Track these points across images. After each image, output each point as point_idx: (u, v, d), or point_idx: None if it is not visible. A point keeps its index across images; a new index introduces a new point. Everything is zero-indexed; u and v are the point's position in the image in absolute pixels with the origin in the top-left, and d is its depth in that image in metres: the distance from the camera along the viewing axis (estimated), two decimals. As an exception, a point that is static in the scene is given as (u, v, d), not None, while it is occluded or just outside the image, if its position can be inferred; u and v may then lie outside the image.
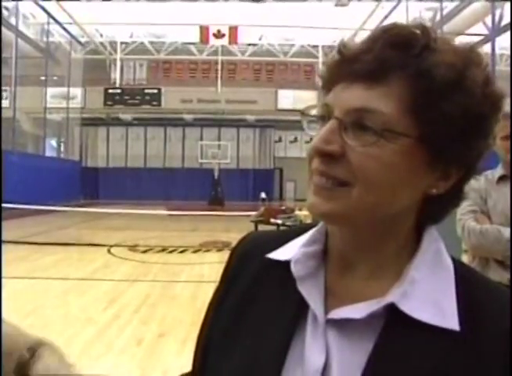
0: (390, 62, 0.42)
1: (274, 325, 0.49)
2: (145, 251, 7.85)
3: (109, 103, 18.78)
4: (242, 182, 21.22)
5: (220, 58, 20.11)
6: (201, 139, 21.66)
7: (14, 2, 14.52)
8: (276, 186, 22.99)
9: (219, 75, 19.95)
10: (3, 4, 15.09)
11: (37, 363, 0.59)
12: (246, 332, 0.51)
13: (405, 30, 0.44)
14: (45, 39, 16.98)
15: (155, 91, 19.01)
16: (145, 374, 2.93)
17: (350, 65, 0.44)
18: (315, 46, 20.89)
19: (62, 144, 20.19)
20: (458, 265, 0.47)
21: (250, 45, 21.06)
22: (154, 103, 18.90)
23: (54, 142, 20.35)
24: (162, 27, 19.02)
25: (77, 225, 11.98)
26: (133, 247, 8.13)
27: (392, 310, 0.43)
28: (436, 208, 0.48)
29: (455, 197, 0.48)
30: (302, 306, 0.48)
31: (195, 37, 19.14)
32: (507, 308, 0.43)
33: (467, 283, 0.46)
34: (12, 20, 14.85)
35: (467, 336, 0.42)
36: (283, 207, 5.48)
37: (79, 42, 19.34)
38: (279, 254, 0.53)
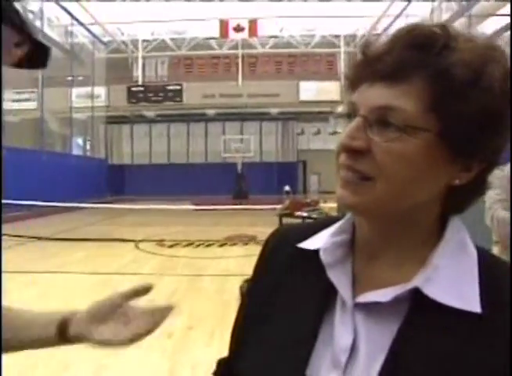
0: (410, 62, 0.44)
1: (304, 310, 0.52)
2: (171, 246, 7.94)
3: (133, 100, 19.06)
4: (265, 176, 21.15)
5: (240, 51, 20.06)
6: (224, 133, 21.71)
7: (39, 6, 14.83)
8: (300, 178, 22.85)
9: (240, 69, 19.91)
10: (29, 8, 15.47)
11: (72, 326, 0.70)
12: (278, 318, 0.54)
13: (425, 30, 0.46)
14: (69, 40, 17.33)
15: (177, 87, 19.15)
16: (174, 366, 2.99)
17: (373, 65, 0.46)
18: (337, 36, 20.56)
19: (88, 142, 20.62)
20: (482, 253, 0.49)
21: (270, 37, 20.87)
22: (176, 99, 19.05)
23: (80, 141, 20.81)
24: (182, 23, 19.11)
25: (105, 222, 12.26)
26: (160, 242, 8.24)
27: (416, 294, 0.45)
28: (459, 199, 0.50)
29: (478, 187, 0.50)
30: (331, 293, 0.51)
31: (215, 31, 19.15)
32: None
33: (490, 269, 0.48)
34: (38, 23, 15.20)
35: (489, 318, 0.44)
36: (308, 200, 5.42)
37: (102, 42, 19.65)
38: (308, 244, 0.56)
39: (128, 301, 0.71)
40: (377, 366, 0.45)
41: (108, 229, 10.29)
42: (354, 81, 0.49)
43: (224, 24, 18.93)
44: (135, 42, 20.23)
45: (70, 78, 17.31)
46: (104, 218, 12.77)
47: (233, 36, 19.44)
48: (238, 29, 19.08)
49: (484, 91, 0.43)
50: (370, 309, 0.48)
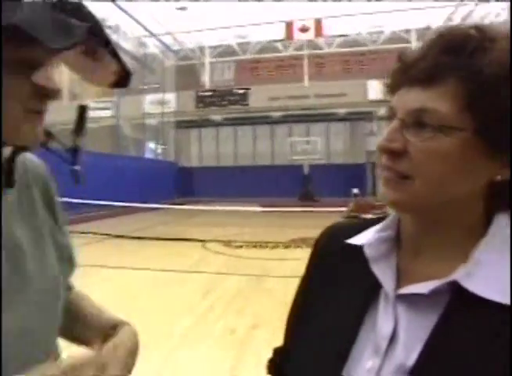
0: (443, 66, 0.47)
1: (351, 302, 0.55)
2: (238, 247, 8.02)
3: (201, 105, 19.62)
4: (333, 178, 20.65)
5: (306, 52, 19.88)
6: (290, 135, 21.60)
7: (116, 21, 15.82)
8: (369, 180, 22.08)
9: (306, 70, 19.72)
10: (107, 23, 16.57)
11: (115, 337, 0.72)
12: (327, 308, 0.58)
13: (458, 33, 0.48)
14: (141, 51, 18.29)
15: (243, 91, 19.41)
16: (238, 363, 2.98)
17: (409, 71, 0.49)
18: (408, 30, 19.60)
19: (159, 146, 21.59)
20: None
21: (336, 36, 20.45)
22: (243, 102, 19.30)
23: (152, 145, 21.84)
24: (247, 27, 19.38)
25: (175, 222, 12.69)
26: (227, 243, 8.35)
27: (457, 288, 0.46)
28: (505, 195, 0.50)
29: None
30: (376, 286, 0.54)
31: (280, 34, 19.17)
32: None
33: None
34: (115, 37, 16.23)
35: None
36: (375, 203, 5.15)
37: (171, 50, 20.52)
38: (355, 240, 0.60)
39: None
40: (414, 355, 0.46)
41: (178, 229, 10.64)
42: (392, 87, 0.52)
43: (289, 26, 18.89)
44: (202, 49, 20.88)
45: (142, 86, 18.27)
46: (174, 219, 13.23)
47: (299, 37, 19.31)
48: (303, 30, 18.93)
49: None
50: (411, 300, 0.50)
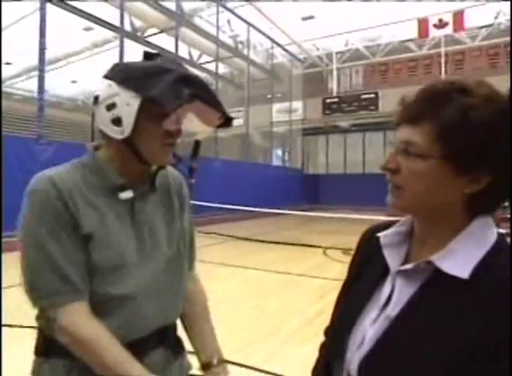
0: (422, 112, 0.66)
1: (369, 279, 0.78)
2: (357, 254, 7.76)
3: (328, 112, 19.53)
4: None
5: (443, 49, 18.28)
6: (423, 140, 20.05)
7: (246, 36, 16.81)
8: None
9: (443, 69, 18.13)
10: (238, 39, 17.70)
11: (212, 370, 1.07)
12: (356, 286, 0.81)
13: (435, 88, 0.67)
14: (269, 62, 19.06)
15: (372, 95, 18.73)
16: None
17: (404, 113, 0.70)
18: None
19: (286, 154, 22.10)
20: (500, 243, 0.66)
21: (482, 27, 18.36)
22: (371, 107, 18.63)
23: (279, 152, 22.47)
24: (376, 29, 18.69)
25: (298, 228, 12.85)
26: (346, 250, 8.15)
27: (433, 267, 0.66)
28: (481, 203, 0.67)
29: (496, 193, 0.67)
30: (387, 267, 0.75)
31: (412, 32, 17.99)
32: None
33: (497, 254, 0.64)
34: (245, 51, 17.26)
35: (474, 284, 0.62)
36: (507, 216, 4.43)
37: (298, 59, 20.92)
38: (381, 233, 0.78)
39: None
40: (398, 310, 0.69)
41: (299, 235, 10.77)
42: (396, 123, 0.71)
43: (423, 23, 17.60)
44: (329, 55, 20.81)
45: (270, 96, 18.98)
46: (297, 225, 13.41)
47: (434, 33, 17.85)
48: (440, 25, 17.42)
49: (472, 128, 0.62)
50: (405, 275, 0.71)
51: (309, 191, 20.73)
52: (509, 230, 4.04)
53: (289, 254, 8.02)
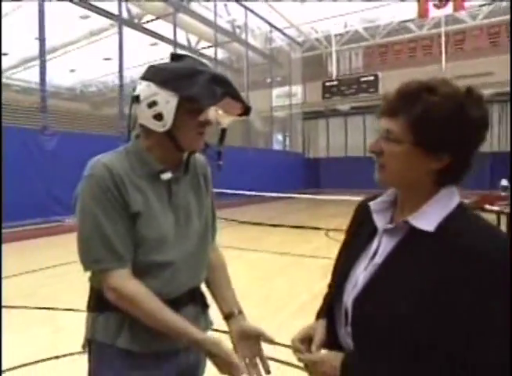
0: (398, 107, 0.86)
1: (362, 238, 0.99)
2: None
3: (327, 95, 19.47)
4: (476, 168, 18.36)
5: (443, 29, 18.10)
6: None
7: (243, 20, 16.64)
8: (522, 168, 19.15)
9: (443, 49, 17.98)
10: (236, 24, 17.54)
11: (234, 319, 1.28)
12: (352, 245, 1.03)
13: (409, 87, 0.85)
14: (268, 46, 18.92)
15: (371, 78, 18.65)
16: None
17: (385, 107, 0.88)
18: None
19: (287, 138, 22.10)
20: (463, 205, 0.88)
21: (482, 5, 18.10)
22: (371, 89, 18.55)
23: (280, 137, 22.46)
24: (376, 10, 18.48)
25: (300, 211, 12.99)
26: (348, 231, 8.28)
27: (409, 226, 0.87)
28: (446, 176, 0.87)
29: (459, 169, 0.87)
30: (376, 229, 0.96)
31: (412, 13, 17.79)
32: (476, 232, 0.82)
33: (458, 212, 0.85)
34: (243, 36, 17.12)
35: (438, 236, 0.82)
36: (503, 194, 4.60)
37: (297, 43, 20.75)
38: (371, 202, 0.99)
39: (260, 339, 1.23)
40: (382, 258, 0.91)
41: (302, 218, 10.91)
42: (379, 115, 0.90)
43: (423, 3, 17.39)
44: (328, 38, 20.61)
45: (269, 80, 18.89)
46: (299, 208, 13.55)
47: (434, 13, 17.64)
48: (440, 5, 17.22)
49: (434, 120, 0.82)
50: (389, 232, 0.92)
51: (310, 175, 20.80)
52: (502, 208, 4.17)
53: (293, 237, 8.18)
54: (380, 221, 0.94)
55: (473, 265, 0.76)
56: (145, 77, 1.11)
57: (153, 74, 1.10)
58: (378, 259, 0.90)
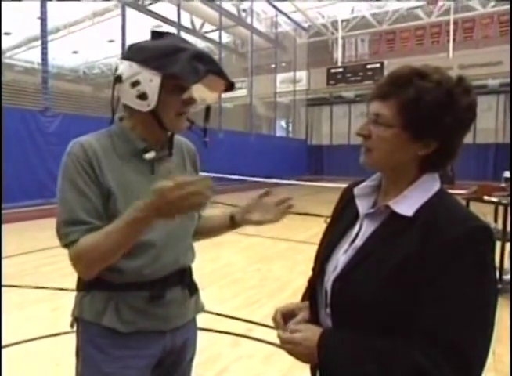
0: (388, 91, 0.86)
1: (345, 222, 0.99)
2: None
3: (332, 82, 19.30)
4: (479, 159, 18.27)
5: (452, 17, 17.80)
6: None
7: (249, 4, 16.41)
8: (525, 160, 18.97)
9: (451, 38, 17.71)
10: (241, 7, 17.29)
11: (237, 215, 1.36)
12: (334, 228, 1.03)
13: (400, 73, 0.86)
14: (273, 31, 18.69)
15: (377, 65, 18.44)
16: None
17: (376, 91, 0.89)
18: None
19: (290, 124, 21.98)
20: (443, 192, 0.90)
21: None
22: (377, 77, 18.32)
23: (283, 123, 22.35)
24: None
25: (301, 198, 12.99)
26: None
27: (390, 210, 0.88)
28: (431, 162, 0.88)
29: (443, 156, 0.88)
30: (358, 214, 0.97)
31: (421, -1, 17.51)
32: (453, 219, 0.82)
33: (437, 199, 0.87)
34: (249, 20, 16.89)
35: (415, 220, 0.84)
36: (503, 185, 4.56)
37: (303, 28, 20.48)
38: (356, 187, 1.01)
39: (263, 199, 1.35)
40: (363, 241, 0.92)
41: (303, 205, 10.90)
42: (369, 99, 0.90)
43: (432, -12, 17.10)
44: (334, 24, 20.34)
45: (274, 65, 18.72)
46: (301, 195, 13.55)
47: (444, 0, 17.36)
48: (450, -9, 16.93)
49: (424, 106, 0.82)
50: (370, 216, 0.93)
51: (313, 162, 20.77)
52: (500, 198, 4.15)
53: (291, 223, 8.16)
54: (363, 205, 0.95)
55: (445, 249, 0.78)
56: (126, 57, 1.09)
57: (135, 53, 1.08)
58: (358, 243, 0.91)
